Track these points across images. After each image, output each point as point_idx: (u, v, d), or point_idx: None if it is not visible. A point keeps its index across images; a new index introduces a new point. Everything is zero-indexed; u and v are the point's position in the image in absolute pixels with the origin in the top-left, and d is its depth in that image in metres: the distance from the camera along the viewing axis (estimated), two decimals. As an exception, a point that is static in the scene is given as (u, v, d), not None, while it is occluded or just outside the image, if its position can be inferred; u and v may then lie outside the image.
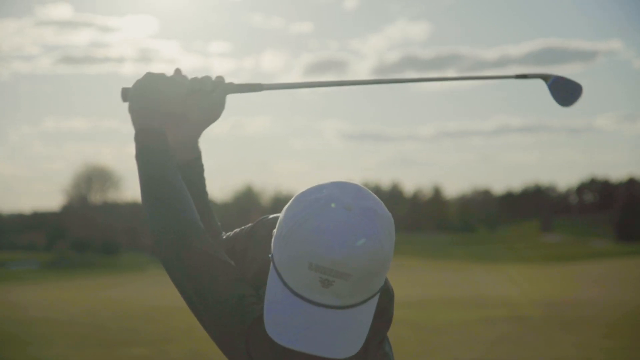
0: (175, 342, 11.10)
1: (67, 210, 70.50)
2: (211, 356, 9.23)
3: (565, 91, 2.17)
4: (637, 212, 73.50)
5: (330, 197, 1.36)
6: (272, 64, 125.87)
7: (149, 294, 22.18)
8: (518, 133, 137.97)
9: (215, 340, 1.49)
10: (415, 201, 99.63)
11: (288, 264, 1.34)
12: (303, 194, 1.40)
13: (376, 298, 1.38)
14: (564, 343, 10.52)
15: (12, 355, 10.60)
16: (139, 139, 1.61)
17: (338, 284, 1.31)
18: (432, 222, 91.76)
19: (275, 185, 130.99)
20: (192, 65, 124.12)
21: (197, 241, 1.52)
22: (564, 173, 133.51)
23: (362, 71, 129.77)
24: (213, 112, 1.74)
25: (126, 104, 1.66)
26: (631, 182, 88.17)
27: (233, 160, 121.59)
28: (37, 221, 76.17)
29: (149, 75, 1.65)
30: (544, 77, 2.16)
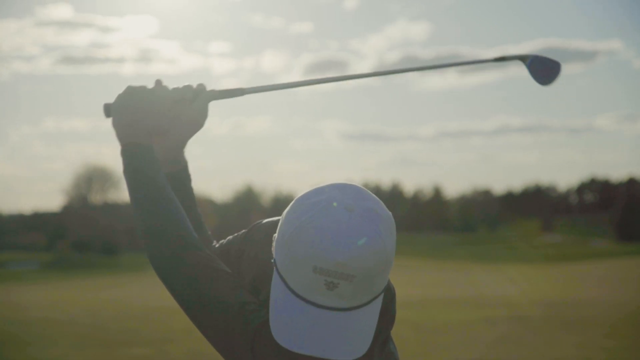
0: (176, 342, 11.10)
1: (68, 210, 70.48)
2: (211, 356, 9.23)
3: (544, 70, 2.19)
4: (637, 212, 73.47)
5: (331, 199, 1.36)
6: (272, 64, 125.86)
7: (149, 294, 22.18)
8: (518, 133, 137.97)
9: (218, 349, 1.48)
10: (416, 201, 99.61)
11: (292, 268, 1.33)
12: (303, 197, 1.40)
13: (380, 298, 1.39)
14: (565, 343, 10.52)
15: (12, 355, 10.60)
16: (126, 154, 1.60)
17: (343, 285, 1.31)
18: (432, 222, 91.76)
19: (275, 185, 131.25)
20: (192, 65, 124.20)
21: (193, 252, 1.51)
22: (564, 173, 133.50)
23: (362, 71, 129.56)
24: (196, 122, 1.74)
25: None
26: (631, 182, 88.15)
27: (233, 160, 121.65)
28: (38, 221, 76.21)
29: (130, 89, 1.64)
30: (522, 58, 2.16)
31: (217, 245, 1.73)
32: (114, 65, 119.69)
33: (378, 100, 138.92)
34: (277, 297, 1.36)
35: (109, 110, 1.66)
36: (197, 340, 10.46)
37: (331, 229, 1.31)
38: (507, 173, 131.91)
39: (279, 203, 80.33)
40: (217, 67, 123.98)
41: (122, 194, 74.56)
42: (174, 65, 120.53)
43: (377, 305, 1.38)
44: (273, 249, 1.42)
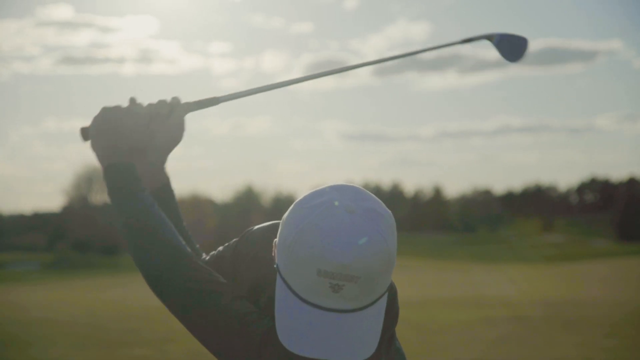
0: (176, 342, 11.10)
1: (68, 210, 70.50)
2: (211, 357, 9.22)
3: (511, 47, 2.19)
4: (637, 212, 73.46)
5: (331, 201, 1.36)
6: (272, 64, 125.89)
7: (150, 295, 22.11)
8: (518, 133, 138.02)
9: None
10: (416, 201, 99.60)
11: (295, 272, 1.33)
12: (303, 200, 1.39)
13: (385, 297, 1.39)
14: (565, 343, 10.52)
15: (13, 356, 10.60)
16: (109, 176, 1.60)
17: (348, 287, 1.31)
18: (432, 222, 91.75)
19: (275, 185, 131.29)
20: (193, 65, 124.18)
21: (187, 265, 1.51)
22: (564, 173, 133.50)
23: (362, 71, 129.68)
24: (174, 136, 1.72)
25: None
26: (632, 182, 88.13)
27: (233, 160, 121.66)
28: (38, 222, 76.22)
29: (105, 111, 1.64)
30: (489, 37, 2.18)
31: (207, 258, 1.72)
32: (114, 65, 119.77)
33: (378, 100, 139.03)
34: (282, 301, 1.36)
35: (86, 133, 1.65)
36: (197, 341, 10.46)
37: (333, 231, 1.31)
38: (507, 173, 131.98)
39: (279, 203, 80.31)
40: (218, 67, 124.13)
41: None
42: (174, 65, 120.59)
43: (382, 304, 1.38)
44: (274, 253, 1.42)
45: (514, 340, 10.98)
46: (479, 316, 13.76)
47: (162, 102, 1.69)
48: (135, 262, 1.55)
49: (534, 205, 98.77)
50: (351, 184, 1.42)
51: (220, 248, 1.72)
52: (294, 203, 1.40)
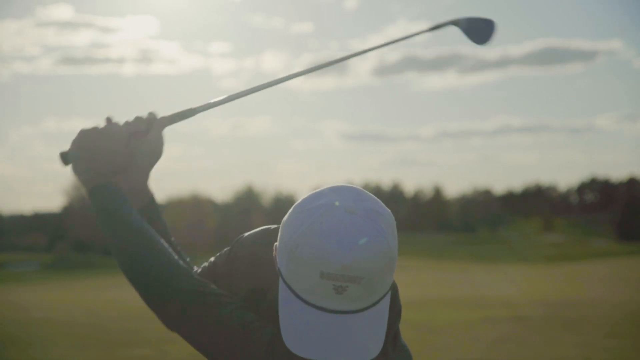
0: (176, 342, 11.08)
1: (68, 211, 70.55)
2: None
3: (478, 30, 2.19)
4: (638, 212, 73.47)
5: (331, 203, 1.36)
6: (272, 64, 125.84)
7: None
8: (518, 133, 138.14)
9: None
10: (416, 201, 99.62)
11: (298, 275, 1.33)
12: (302, 203, 1.39)
13: (389, 295, 1.39)
14: (566, 343, 10.52)
15: (13, 356, 10.60)
16: (95, 199, 1.58)
17: (351, 288, 1.31)
18: (432, 222, 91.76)
19: (275, 185, 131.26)
20: (193, 65, 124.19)
21: (184, 281, 1.49)
22: (564, 173, 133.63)
23: (362, 71, 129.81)
24: (155, 152, 1.70)
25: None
26: (632, 182, 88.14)
27: (233, 160, 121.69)
28: (38, 222, 76.24)
29: (83, 133, 1.62)
30: (455, 23, 2.18)
31: (199, 270, 1.71)
32: (114, 65, 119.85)
33: (378, 100, 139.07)
34: (286, 305, 1.36)
35: (66, 158, 1.63)
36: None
37: (334, 233, 1.31)
38: (507, 173, 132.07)
39: (280, 203, 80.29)
40: (218, 67, 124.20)
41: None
42: (175, 65, 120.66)
43: (386, 303, 1.39)
44: (275, 257, 1.41)
45: (514, 340, 10.98)
46: (479, 316, 13.76)
47: (139, 119, 1.67)
48: (131, 281, 1.53)
49: (534, 205, 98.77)
50: (350, 185, 1.42)
51: (212, 259, 1.71)
52: (294, 206, 1.40)
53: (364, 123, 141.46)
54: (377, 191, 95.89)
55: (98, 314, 15.82)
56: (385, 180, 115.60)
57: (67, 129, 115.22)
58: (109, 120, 1.66)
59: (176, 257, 1.55)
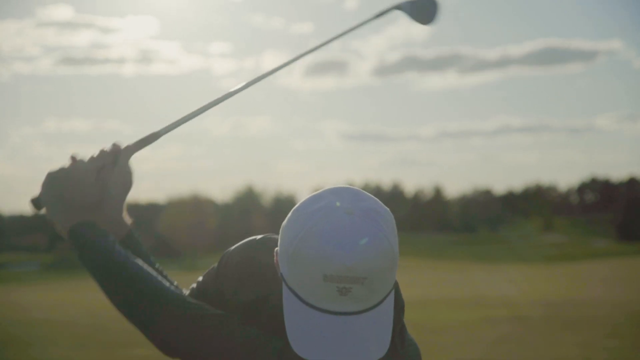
0: (177, 343, 11.10)
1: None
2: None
3: (422, 10, 2.20)
4: (638, 212, 73.47)
5: (330, 205, 1.36)
6: (273, 65, 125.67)
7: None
8: (519, 133, 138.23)
9: None
10: (416, 201, 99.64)
11: (301, 280, 1.33)
12: (300, 207, 1.39)
13: (393, 293, 1.40)
14: (566, 343, 10.51)
15: (13, 356, 10.61)
16: (75, 239, 1.57)
17: (355, 289, 1.31)
18: (433, 222, 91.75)
19: (276, 185, 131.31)
20: (193, 65, 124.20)
21: (179, 308, 1.47)
22: (564, 173, 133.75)
23: (362, 71, 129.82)
24: (125, 182, 1.68)
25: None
26: (632, 182, 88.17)
27: (234, 160, 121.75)
28: (38, 222, 75.99)
29: (51, 176, 1.60)
30: (398, 7, 2.16)
31: (188, 292, 1.70)
32: (114, 65, 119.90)
33: (378, 100, 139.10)
34: (292, 311, 1.35)
35: (39, 203, 1.62)
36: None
37: (335, 235, 1.31)
38: (507, 173, 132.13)
39: (280, 203, 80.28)
40: (218, 67, 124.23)
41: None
42: (175, 65, 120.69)
43: (391, 301, 1.39)
44: (276, 263, 1.41)
45: (514, 340, 10.98)
46: (479, 316, 13.76)
47: (103, 153, 1.65)
48: (125, 315, 1.52)
49: (534, 205, 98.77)
50: (348, 186, 1.43)
51: (200, 278, 1.70)
52: (292, 210, 1.40)
53: (364, 123, 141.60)
54: (377, 191, 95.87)
55: (98, 314, 15.82)
56: (386, 180, 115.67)
57: (67, 129, 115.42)
58: (74, 158, 1.63)
59: (167, 283, 1.53)
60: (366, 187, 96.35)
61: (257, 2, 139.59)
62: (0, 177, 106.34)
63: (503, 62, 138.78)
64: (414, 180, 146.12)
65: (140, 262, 1.55)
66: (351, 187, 1.42)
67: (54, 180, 1.60)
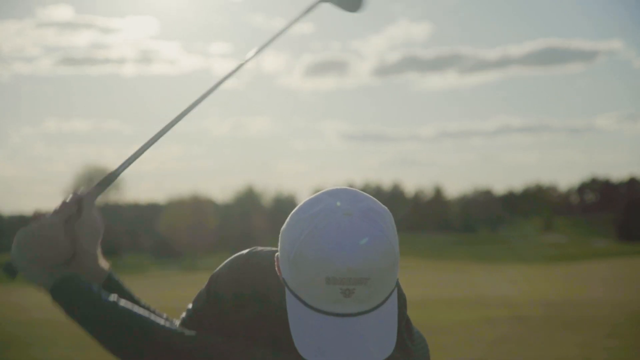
0: (177, 343, 11.09)
1: (69, 211, 70.46)
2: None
3: None
4: (638, 212, 73.49)
5: (328, 208, 1.36)
6: (273, 65, 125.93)
7: (150, 296, 22.13)
8: (519, 133, 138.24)
9: None
10: (417, 201, 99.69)
11: (304, 284, 1.33)
12: (299, 210, 1.39)
13: (396, 291, 1.41)
14: (566, 343, 10.51)
15: (14, 356, 10.61)
16: (60, 295, 1.54)
17: (359, 290, 1.31)
18: (433, 222, 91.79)
19: (276, 185, 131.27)
20: (193, 66, 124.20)
21: (179, 343, 1.45)
22: (565, 173, 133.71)
23: (363, 71, 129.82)
24: (94, 228, 1.67)
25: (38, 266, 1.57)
26: (632, 182, 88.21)
27: (234, 160, 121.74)
28: (38, 223, 76.31)
29: (19, 238, 1.58)
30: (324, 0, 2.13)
31: (179, 322, 1.69)
32: (114, 66, 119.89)
33: (378, 100, 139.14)
34: (296, 316, 1.35)
35: (12, 269, 1.60)
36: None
37: (335, 237, 1.31)
38: (507, 173, 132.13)
39: (280, 203, 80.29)
40: (218, 67, 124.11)
41: (123, 195, 74.75)
42: (175, 66, 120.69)
43: (394, 299, 1.40)
44: (277, 268, 1.42)
45: (515, 340, 10.98)
46: (480, 316, 13.76)
47: (65, 204, 1.64)
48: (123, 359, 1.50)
49: (535, 205, 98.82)
50: (345, 187, 1.43)
51: (190, 306, 1.70)
52: (291, 214, 1.40)
53: (364, 123, 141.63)
54: (378, 191, 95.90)
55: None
56: (386, 180, 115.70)
57: (67, 129, 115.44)
58: (37, 215, 1.62)
59: (161, 320, 1.52)
60: (366, 187, 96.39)
61: (258, 2, 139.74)
62: (0, 177, 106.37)
63: (503, 62, 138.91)
64: (414, 180, 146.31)
65: (129, 304, 1.53)
66: (348, 188, 1.43)
67: (24, 243, 1.57)
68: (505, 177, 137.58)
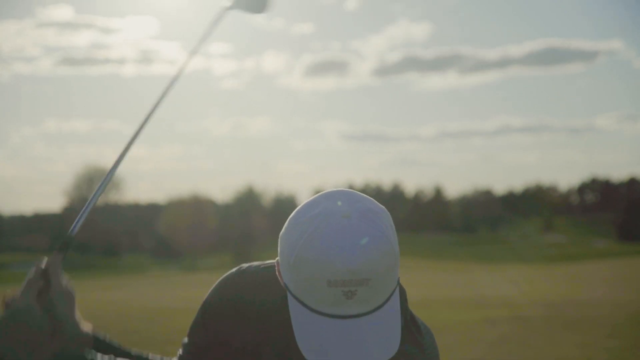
0: (177, 343, 11.03)
1: (69, 211, 70.51)
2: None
3: (252, 1, 2.20)
4: (638, 212, 73.50)
5: (326, 210, 1.36)
6: (273, 65, 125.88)
7: (150, 296, 22.19)
8: (519, 133, 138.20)
9: None
10: (417, 201, 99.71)
11: (306, 288, 1.33)
12: (297, 214, 1.39)
13: (397, 289, 1.40)
14: (566, 343, 10.51)
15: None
16: None
17: (361, 291, 1.31)
18: (433, 222, 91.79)
19: (276, 185, 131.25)
20: (193, 66, 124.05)
21: None
22: (565, 173, 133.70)
23: (362, 72, 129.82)
24: (67, 296, 1.67)
25: None
26: (632, 182, 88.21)
27: (234, 160, 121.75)
28: (39, 223, 76.30)
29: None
30: (229, 8, 2.15)
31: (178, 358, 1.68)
32: (114, 66, 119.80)
33: (379, 100, 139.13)
34: (300, 320, 1.35)
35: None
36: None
37: (335, 240, 1.31)
38: (508, 173, 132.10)
39: (280, 204, 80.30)
40: (218, 68, 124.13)
41: (123, 195, 74.77)
42: (175, 66, 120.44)
43: (396, 298, 1.39)
44: (278, 273, 1.42)
45: (515, 340, 10.98)
46: (480, 316, 13.76)
47: (31, 280, 1.63)
48: None
49: (535, 205, 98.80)
50: (342, 189, 1.43)
51: (185, 340, 1.69)
52: (289, 218, 1.40)
53: (365, 123, 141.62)
54: (378, 191, 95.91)
55: (98, 315, 15.81)
56: (386, 180, 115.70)
57: (67, 129, 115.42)
58: (6, 300, 1.60)
59: None
60: (366, 188, 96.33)
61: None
62: (0, 177, 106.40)
63: (503, 62, 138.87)
64: (415, 181, 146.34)
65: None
66: (345, 189, 1.43)
67: (3, 333, 1.54)
68: (505, 177, 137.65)
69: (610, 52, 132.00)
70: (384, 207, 1.41)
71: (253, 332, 1.52)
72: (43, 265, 1.65)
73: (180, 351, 1.69)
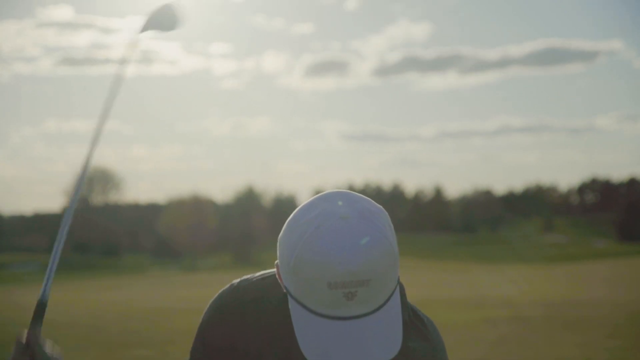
0: (177, 343, 11.10)
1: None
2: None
3: (162, 19, 2.10)
4: (639, 212, 73.49)
5: (324, 212, 1.35)
6: (273, 65, 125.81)
7: (151, 296, 22.21)
8: (519, 133, 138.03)
9: None
10: (417, 202, 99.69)
11: (306, 290, 1.33)
12: (295, 217, 1.39)
13: (398, 288, 1.40)
14: (567, 343, 10.51)
15: (13, 357, 10.60)
16: None
17: (361, 292, 1.30)
18: (433, 222, 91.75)
19: (276, 186, 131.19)
20: (193, 66, 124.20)
21: None
22: (565, 173, 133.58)
23: (362, 72, 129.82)
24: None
25: None
26: (632, 182, 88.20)
27: (234, 160, 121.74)
28: (39, 223, 76.24)
29: None
30: (142, 30, 2.08)
31: None
32: (114, 66, 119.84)
33: (379, 100, 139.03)
34: (301, 322, 1.35)
35: None
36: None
37: (333, 241, 1.31)
38: (508, 173, 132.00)
39: (280, 204, 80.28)
40: (218, 68, 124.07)
41: (123, 195, 74.78)
42: (175, 66, 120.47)
43: (397, 298, 1.39)
44: (278, 276, 1.41)
45: (515, 340, 10.98)
46: (480, 316, 13.76)
47: (16, 356, 1.61)
48: None
49: (535, 205, 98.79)
50: (339, 190, 1.43)
51: None
52: (287, 221, 1.39)
53: (365, 123, 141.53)
54: (378, 191, 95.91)
55: (98, 315, 15.83)
56: (386, 180, 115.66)
57: (67, 129, 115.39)
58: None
59: None
60: (366, 188, 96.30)
61: (258, 2, 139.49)
62: (0, 177, 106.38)
63: (503, 62, 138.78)
64: (415, 181, 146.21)
65: None
66: (343, 190, 1.42)
67: None
68: (506, 177, 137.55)
69: (610, 52, 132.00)
70: (381, 207, 1.41)
71: (255, 342, 1.52)
72: (24, 340, 1.61)
73: None
